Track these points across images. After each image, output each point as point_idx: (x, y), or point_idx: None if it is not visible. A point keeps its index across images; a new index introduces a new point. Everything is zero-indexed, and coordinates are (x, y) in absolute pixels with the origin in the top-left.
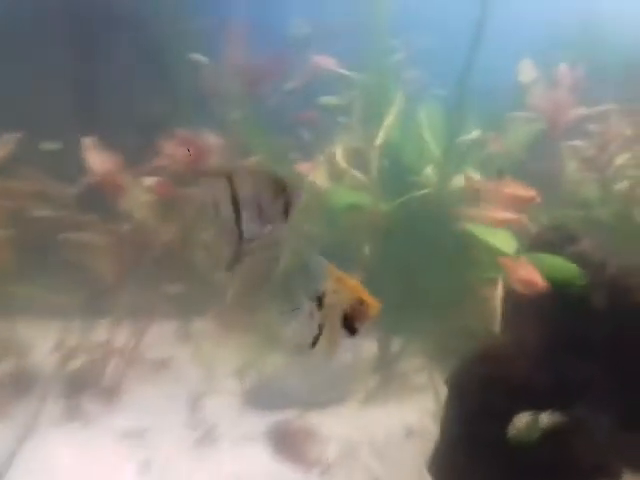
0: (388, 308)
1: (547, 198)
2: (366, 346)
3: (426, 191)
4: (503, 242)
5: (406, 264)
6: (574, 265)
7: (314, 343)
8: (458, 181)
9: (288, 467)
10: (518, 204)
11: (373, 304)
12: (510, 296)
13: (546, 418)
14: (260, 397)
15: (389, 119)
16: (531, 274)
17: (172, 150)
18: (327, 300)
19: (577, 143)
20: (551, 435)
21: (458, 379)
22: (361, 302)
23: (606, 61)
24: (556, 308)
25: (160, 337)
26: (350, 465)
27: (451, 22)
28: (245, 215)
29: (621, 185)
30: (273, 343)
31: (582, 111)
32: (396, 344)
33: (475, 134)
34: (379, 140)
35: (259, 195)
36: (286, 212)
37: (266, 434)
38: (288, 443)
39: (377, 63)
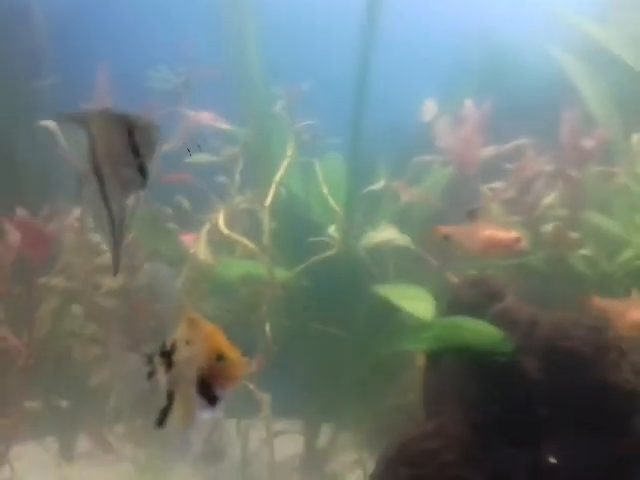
0: (307, 393)
1: None
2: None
3: (330, 253)
4: (419, 307)
5: (319, 339)
6: (497, 328)
7: (161, 420)
8: (374, 237)
9: None
10: (499, 250)
11: (237, 361)
12: (432, 370)
13: None
14: None
15: (279, 174)
16: None
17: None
18: (178, 356)
19: (496, 184)
20: None
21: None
22: (220, 358)
23: (513, 94)
24: (481, 382)
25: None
26: None
27: (335, 66)
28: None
29: (550, 227)
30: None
31: (493, 149)
32: (324, 436)
33: (381, 184)
34: (269, 199)
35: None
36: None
37: None
38: None
39: (258, 113)
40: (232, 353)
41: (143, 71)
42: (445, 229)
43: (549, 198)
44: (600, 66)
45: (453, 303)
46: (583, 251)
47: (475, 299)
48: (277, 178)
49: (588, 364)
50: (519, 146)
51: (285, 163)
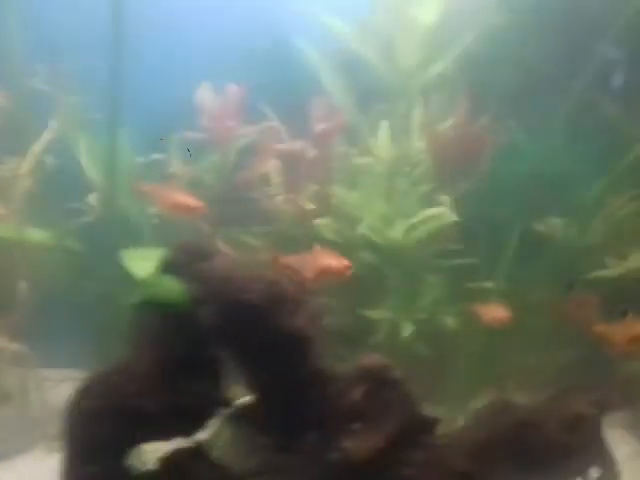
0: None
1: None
2: None
3: (89, 219)
4: (139, 266)
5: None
6: (178, 285)
7: None
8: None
9: None
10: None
11: None
12: (136, 321)
13: (164, 447)
14: None
15: (36, 147)
16: None
17: None
18: None
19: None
20: (172, 463)
21: (66, 415)
22: None
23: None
24: (167, 329)
25: None
26: None
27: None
28: None
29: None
30: None
31: (248, 130)
32: None
33: (153, 157)
34: (23, 168)
35: None
36: None
37: None
38: None
39: (17, 87)
40: None
41: None
42: (285, 259)
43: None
44: (348, 63)
45: (168, 264)
46: (325, 221)
47: (183, 260)
48: (33, 150)
49: (266, 314)
50: (270, 127)
51: (47, 135)
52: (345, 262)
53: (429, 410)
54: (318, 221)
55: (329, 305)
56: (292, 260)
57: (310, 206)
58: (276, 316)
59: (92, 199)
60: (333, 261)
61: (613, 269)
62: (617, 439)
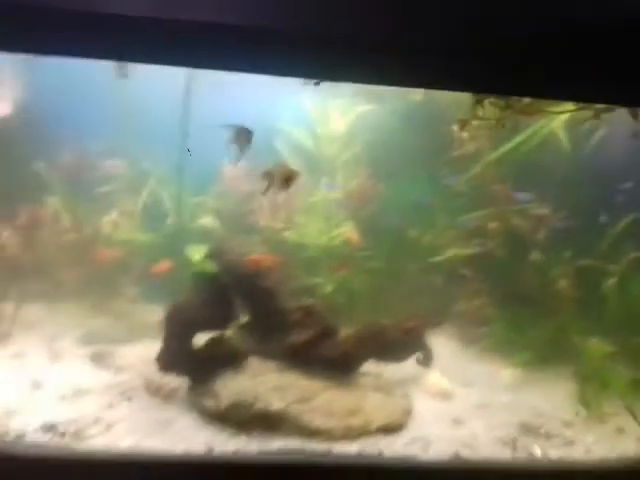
0: None
1: None
2: None
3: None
4: (194, 255)
5: None
6: (212, 265)
7: None
8: None
9: None
10: None
11: None
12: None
13: (210, 335)
14: None
15: (144, 194)
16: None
17: None
18: None
19: None
20: (213, 342)
21: (166, 318)
22: None
23: None
24: (207, 285)
25: None
26: None
27: None
28: None
29: None
30: None
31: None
32: None
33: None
34: (139, 204)
35: None
36: None
37: None
38: None
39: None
40: None
41: None
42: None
43: None
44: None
45: (209, 254)
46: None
47: (216, 253)
48: (144, 193)
49: (255, 279)
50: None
51: (148, 187)
52: (272, 258)
53: (335, 325)
54: (286, 233)
55: (286, 276)
56: (255, 257)
57: (281, 224)
58: (260, 280)
59: (169, 220)
60: (268, 257)
61: None
62: (439, 341)
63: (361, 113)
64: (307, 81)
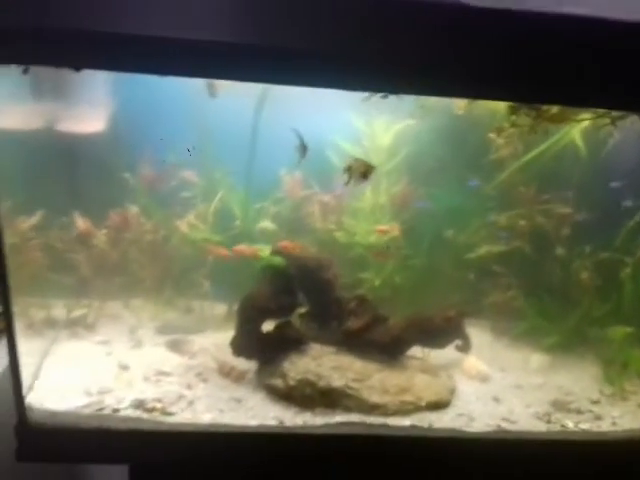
0: None
1: None
2: None
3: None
4: (263, 251)
5: None
6: (279, 259)
7: None
8: None
9: None
10: None
11: None
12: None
13: (277, 321)
14: None
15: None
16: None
17: None
18: None
19: None
20: (280, 327)
21: (239, 306)
22: None
23: None
24: (274, 277)
25: None
26: None
27: None
28: None
29: None
30: None
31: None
32: None
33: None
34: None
35: None
36: None
37: None
38: None
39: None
40: None
41: None
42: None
43: None
44: None
45: (275, 250)
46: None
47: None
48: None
49: (315, 272)
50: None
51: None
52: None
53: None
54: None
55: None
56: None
57: (332, 226)
58: (319, 273)
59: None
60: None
61: None
62: (473, 333)
63: (403, 128)
64: (367, 97)
